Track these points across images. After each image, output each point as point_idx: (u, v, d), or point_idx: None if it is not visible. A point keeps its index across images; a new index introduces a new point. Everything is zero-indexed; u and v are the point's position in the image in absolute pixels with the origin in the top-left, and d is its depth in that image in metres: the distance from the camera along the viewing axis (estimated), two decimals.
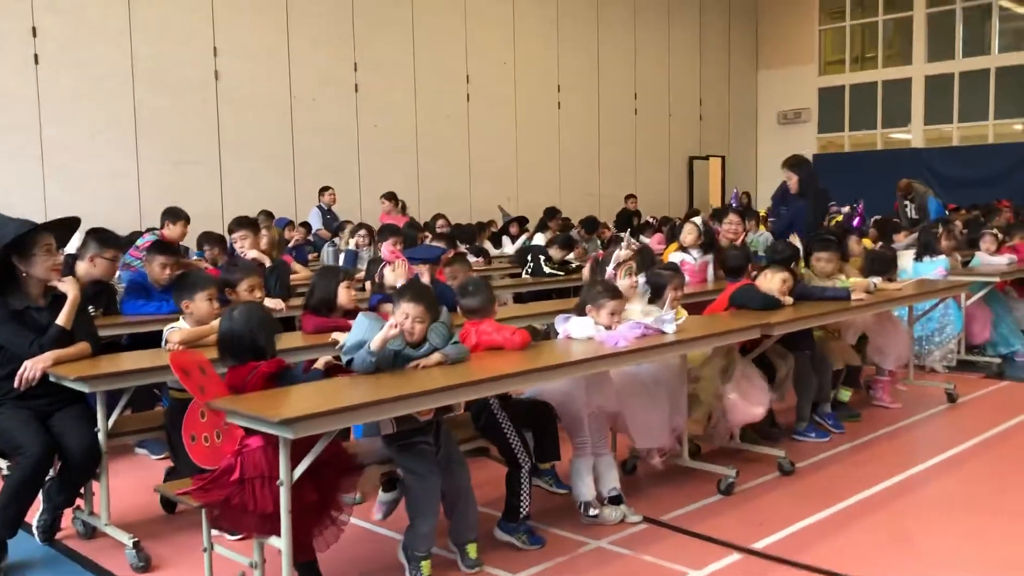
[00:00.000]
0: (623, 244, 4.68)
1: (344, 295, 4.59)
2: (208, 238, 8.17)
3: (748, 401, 4.89)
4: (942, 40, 18.96)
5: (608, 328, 4.12)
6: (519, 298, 7.75)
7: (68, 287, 3.93)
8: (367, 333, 3.39)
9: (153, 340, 4.71)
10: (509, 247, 11.89)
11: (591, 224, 12.16)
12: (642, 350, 3.95)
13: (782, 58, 20.92)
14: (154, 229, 8.61)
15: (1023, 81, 17.94)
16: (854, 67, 20.40)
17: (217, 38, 12.41)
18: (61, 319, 3.86)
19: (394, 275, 5.01)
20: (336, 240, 10.14)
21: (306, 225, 10.74)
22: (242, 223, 6.15)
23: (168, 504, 4.29)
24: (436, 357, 3.52)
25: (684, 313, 4.96)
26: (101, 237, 5.34)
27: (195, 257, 9.17)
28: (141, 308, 5.44)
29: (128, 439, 4.31)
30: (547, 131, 16.75)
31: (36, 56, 10.94)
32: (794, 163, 7.74)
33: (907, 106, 19.45)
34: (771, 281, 5.16)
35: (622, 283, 4.57)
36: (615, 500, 4.18)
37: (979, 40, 18.66)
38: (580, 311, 4.30)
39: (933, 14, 18.97)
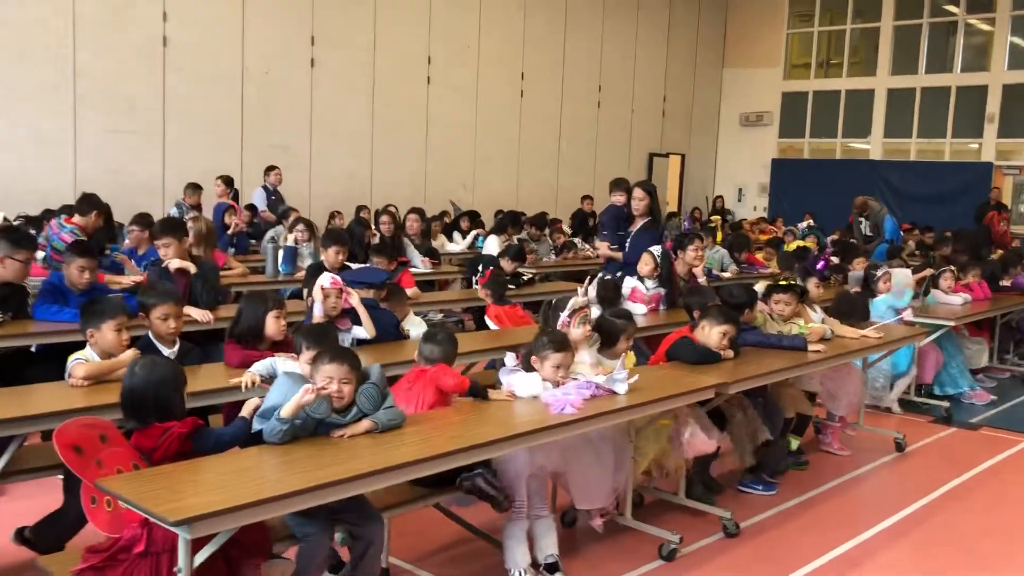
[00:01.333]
0: (580, 291, 4.39)
1: (272, 326, 4.24)
2: (138, 220, 7.76)
3: (703, 435, 4.67)
4: (907, 54, 18.96)
5: (555, 384, 3.86)
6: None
7: None
8: (286, 397, 3.06)
9: (66, 350, 4.31)
10: (460, 242, 11.55)
11: (541, 221, 11.86)
12: (591, 417, 3.68)
13: (748, 58, 20.77)
14: (66, 211, 8.07)
15: (981, 101, 18.03)
16: (819, 73, 20.34)
17: (167, 2, 11.78)
18: None
19: (326, 306, 4.66)
20: (279, 228, 9.72)
21: (251, 208, 10.25)
22: (166, 228, 5.70)
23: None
24: (365, 425, 3.20)
25: (632, 359, 4.72)
26: (13, 238, 4.95)
27: (124, 238, 8.73)
28: (55, 315, 5.03)
29: (22, 479, 3.90)
30: (508, 120, 16.38)
31: None
32: (651, 187, 7.22)
33: (868, 117, 19.45)
34: (709, 336, 4.88)
35: (575, 332, 4.29)
36: (551, 568, 3.93)
37: (942, 57, 18.70)
38: (527, 361, 4.03)
39: (900, 26, 18.94)
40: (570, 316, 4.29)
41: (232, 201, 9.91)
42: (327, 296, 4.69)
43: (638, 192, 7.05)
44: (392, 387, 3.56)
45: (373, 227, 9.73)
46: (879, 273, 7.55)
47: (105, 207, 7.25)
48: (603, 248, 7.42)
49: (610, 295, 5.93)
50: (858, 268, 8.96)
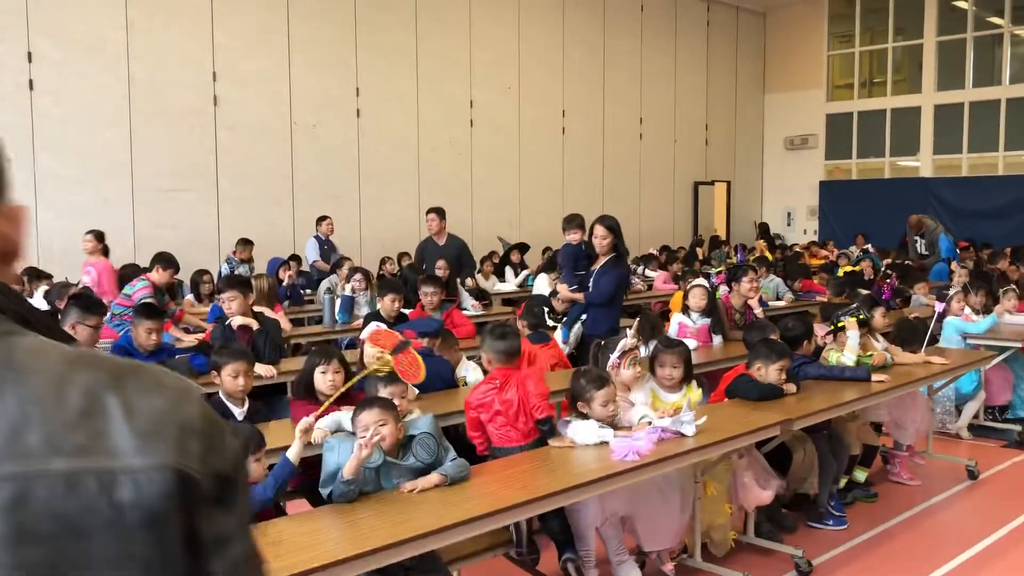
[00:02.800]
0: (629, 332, 4.39)
1: (319, 380, 4.30)
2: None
3: (759, 484, 4.63)
4: (952, 69, 18.72)
5: (609, 421, 3.87)
6: None
7: None
8: (340, 457, 3.12)
9: None
10: (511, 280, 11.62)
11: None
12: (658, 461, 3.67)
13: (789, 83, 20.69)
14: (141, 270, 8.34)
15: None
16: (862, 93, 20.16)
17: (216, 63, 12.16)
18: None
19: (375, 352, 4.72)
20: (334, 277, 9.88)
21: (296, 259, 10.41)
22: (231, 283, 5.86)
23: None
24: (435, 479, 3.24)
25: (697, 395, 4.70)
26: (84, 304, 5.10)
27: (187, 297, 8.95)
28: None
29: None
30: (551, 157, 16.50)
31: (31, 82, 10.68)
32: (614, 222, 6.58)
33: (916, 134, 19.20)
34: (767, 375, 4.83)
35: (626, 373, 4.30)
36: None
37: (989, 69, 18.43)
38: (573, 406, 4.04)
39: (943, 42, 18.73)
40: (620, 358, 4.30)
41: (103, 256, 9.50)
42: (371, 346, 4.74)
43: (599, 230, 6.53)
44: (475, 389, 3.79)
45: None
46: (951, 293, 7.45)
47: (176, 264, 7.50)
48: (563, 290, 7.00)
49: (650, 330, 5.90)
50: (920, 292, 8.83)
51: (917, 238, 14.43)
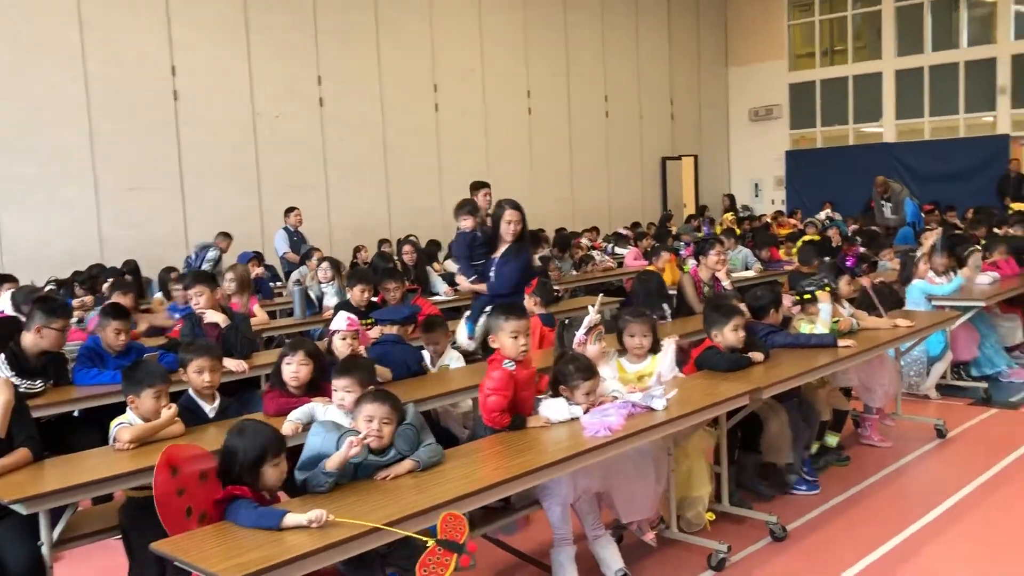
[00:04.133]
0: (593, 307, 4.42)
1: (284, 371, 4.29)
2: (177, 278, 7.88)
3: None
4: (911, 33, 18.90)
5: (587, 408, 3.90)
6: None
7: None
8: (323, 445, 3.12)
9: (109, 413, 4.41)
10: None
11: (564, 240, 11.92)
12: (629, 436, 3.71)
13: (752, 54, 20.78)
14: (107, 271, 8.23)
15: (991, 74, 17.91)
16: (824, 61, 20.30)
17: (175, 57, 12.01)
18: None
19: (345, 346, 4.72)
20: (303, 269, 9.84)
21: (259, 256, 10.28)
22: (198, 278, 5.82)
23: None
24: (407, 465, 3.26)
25: (654, 361, 4.71)
26: (48, 307, 5.04)
27: (156, 296, 8.88)
28: (95, 378, 5.15)
29: (79, 544, 3.98)
30: (518, 138, 16.48)
31: None
32: (520, 205, 6.23)
33: (878, 100, 19.38)
34: (726, 339, 4.90)
35: (592, 349, 4.34)
36: None
37: (947, 33, 18.61)
38: (554, 387, 4.06)
39: (901, 7, 18.89)
40: (586, 334, 4.33)
41: None
42: (343, 337, 4.75)
43: (512, 214, 6.10)
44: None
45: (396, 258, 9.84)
46: (918, 255, 7.55)
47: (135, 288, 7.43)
48: (463, 282, 6.56)
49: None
50: (885, 258, 8.94)
51: (883, 201, 14.58)
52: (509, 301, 5.09)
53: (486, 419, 3.83)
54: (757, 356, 4.89)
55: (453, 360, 5.56)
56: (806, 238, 10.22)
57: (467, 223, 6.52)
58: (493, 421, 3.80)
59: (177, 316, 6.75)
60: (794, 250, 10.14)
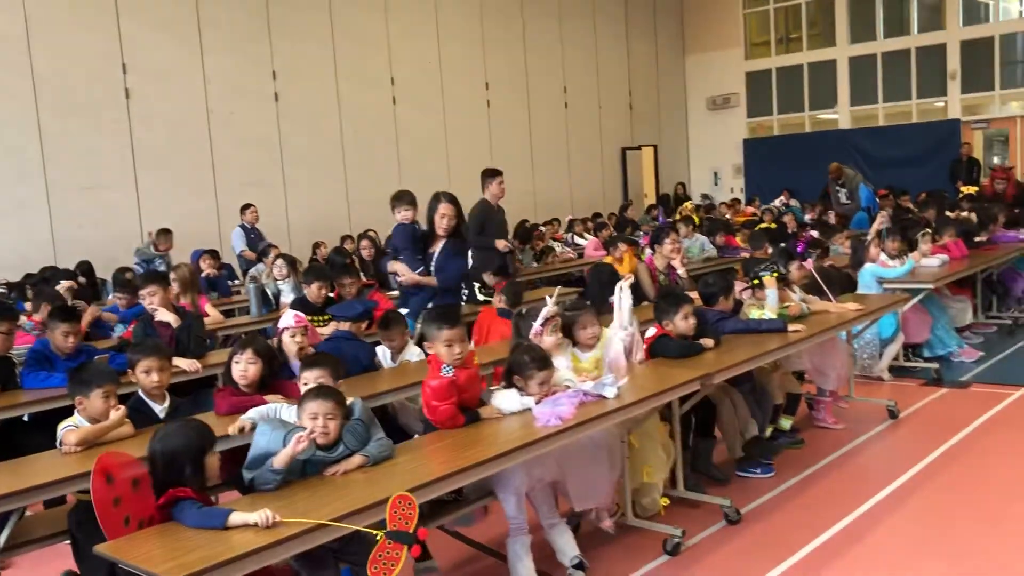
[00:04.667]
0: (548, 300, 4.44)
1: (233, 369, 4.26)
2: (120, 284, 7.77)
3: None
4: (864, 20, 19.14)
5: (538, 400, 3.92)
6: None
7: None
8: (270, 443, 3.10)
9: (59, 416, 4.35)
10: None
11: (525, 235, 11.94)
12: (580, 424, 3.74)
13: (709, 42, 20.91)
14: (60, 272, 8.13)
15: (942, 60, 18.20)
16: (780, 49, 20.50)
17: (125, 54, 11.83)
18: None
19: (294, 343, 4.69)
20: (260, 266, 9.76)
21: (214, 253, 10.11)
22: (150, 278, 5.76)
23: None
24: (356, 460, 3.25)
25: (604, 336, 4.73)
26: None
27: (110, 296, 8.76)
28: (44, 382, 5.07)
29: (28, 550, 3.92)
30: (477, 130, 16.45)
31: None
32: (453, 196, 6.20)
33: (833, 87, 19.62)
34: (676, 325, 4.96)
35: (548, 340, 4.36)
36: (579, 567, 4.02)
37: (899, 20, 18.88)
38: (508, 377, 4.08)
39: None
40: (543, 325, 4.35)
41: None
42: (292, 334, 4.72)
43: (448, 208, 6.07)
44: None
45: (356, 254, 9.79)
46: (868, 239, 7.67)
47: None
48: (408, 275, 6.30)
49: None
50: (838, 242, 9.07)
51: (838, 187, 14.77)
52: (444, 307, 5.03)
53: (439, 425, 3.81)
54: (708, 342, 4.95)
55: (414, 355, 5.52)
56: (762, 225, 10.33)
57: (407, 215, 6.27)
58: (447, 426, 3.79)
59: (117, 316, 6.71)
60: (747, 237, 10.25)
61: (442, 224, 6.06)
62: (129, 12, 11.81)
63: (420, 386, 4.83)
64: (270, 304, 7.86)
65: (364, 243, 9.15)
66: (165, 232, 10.66)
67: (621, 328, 4.57)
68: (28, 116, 10.97)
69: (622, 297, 4.60)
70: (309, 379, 3.78)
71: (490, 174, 8.15)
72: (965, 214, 10.17)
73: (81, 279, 9.02)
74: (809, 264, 6.32)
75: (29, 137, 10.99)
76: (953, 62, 18.06)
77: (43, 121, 11.08)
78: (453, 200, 6.12)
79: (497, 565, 4.25)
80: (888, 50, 18.81)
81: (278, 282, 8.04)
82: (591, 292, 6.60)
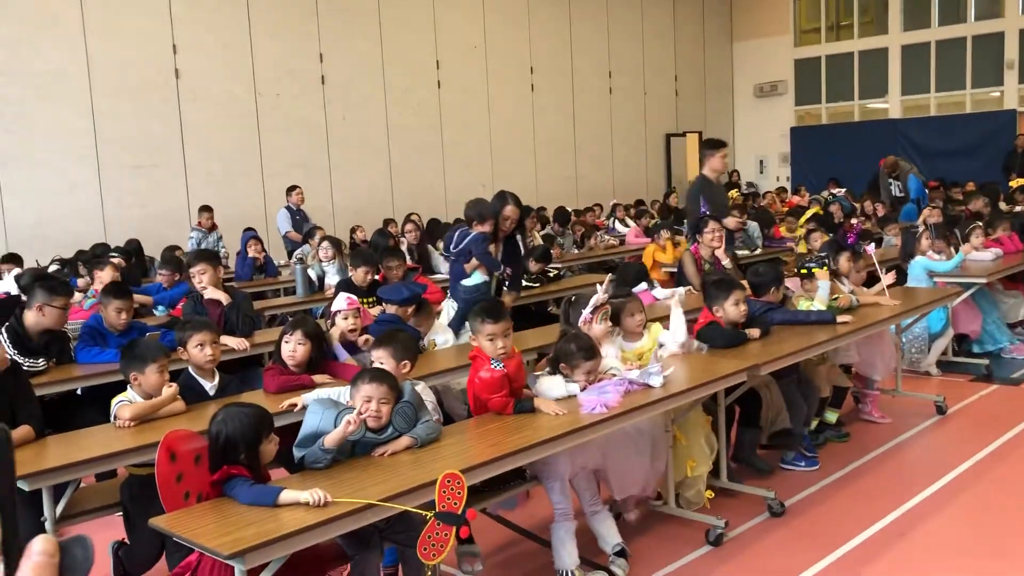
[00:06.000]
0: (599, 287, 4.42)
1: (282, 348, 4.32)
2: (166, 261, 7.88)
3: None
4: (918, 8, 18.72)
5: (583, 387, 3.91)
6: None
7: None
8: (322, 422, 3.14)
9: (111, 391, 4.45)
10: None
11: (564, 216, 11.90)
12: (625, 413, 3.73)
13: (757, 29, 20.61)
14: (111, 250, 8.28)
15: (999, 49, 17.76)
16: (830, 37, 20.13)
17: (176, 35, 11.97)
18: None
19: (346, 324, 4.74)
20: (306, 247, 9.85)
21: (258, 240, 10.14)
22: (200, 256, 5.84)
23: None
24: (404, 442, 3.28)
25: (656, 330, 4.72)
26: (49, 286, 5.07)
27: (156, 272, 8.90)
28: (97, 356, 5.17)
29: (81, 520, 4.03)
30: (521, 115, 16.43)
31: None
32: (517, 200, 5.82)
33: (884, 76, 19.24)
34: (728, 313, 4.93)
35: (598, 328, 4.34)
36: (621, 554, 4.03)
37: (954, 7, 18.43)
38: (554, 365, 4.07)
39: None
40: (592, 313, 4.33)
41: None
42: (345, 316, 4.77)
43: (513, 211, 5.83)
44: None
45: (399, 237, 9.83)
46: (919, 232, 7.53)
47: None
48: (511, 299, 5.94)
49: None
50: (890, 233, 8.92)
51: (892, 180, 14.49)
52: (490, 301, 4.94)
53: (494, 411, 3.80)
54: (753, 332, 4.91)
55: (440, 334, 5.52)
56: (811, 211, 10.19)
57: (486, 227, 5.80)
58: (501, 412, 3.79)
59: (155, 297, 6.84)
60: (797, 227, 10.11)
61: (504, 226, 5.89)
62: None
63: (464, 370, 4.91)
64: (313, 286, 7.94)
65: (408, 227, 9.18)
66: (205, 209, 10.84)
67: (675, 344, 4.54)
68: (82, 97, 11.17)
69: (675, 313, 4.60)
70: (373, 357, 3.83)
71: (712, 145, 7.58)
72: (1020, 208, 9.93)
73: (131, 257, 9.17)
74: (871, 250, 6.23)
75: (83, 117, 11.20)
76: (1011, 51, 17.60)
77: (96, 102, 11.28)
78: (519, 203, 5.92)
79: (538, 550, 4.27)
80: (943, 38, 18.39)
81: (323, 264, 8.10)
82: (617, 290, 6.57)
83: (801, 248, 8.74)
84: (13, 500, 0.72)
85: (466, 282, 5.79)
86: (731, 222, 7.52)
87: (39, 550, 0.69)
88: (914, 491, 4.87)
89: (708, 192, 7.57)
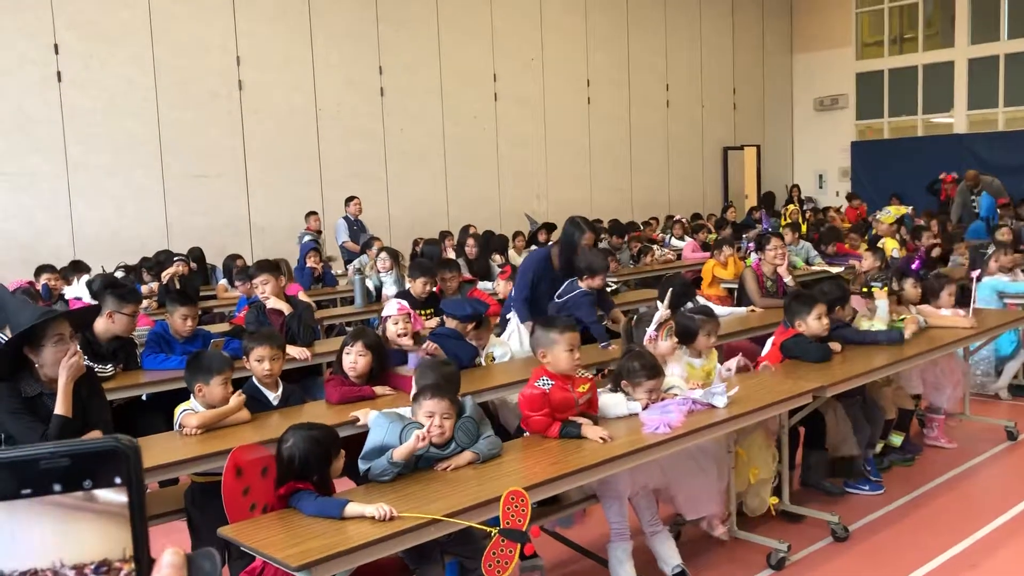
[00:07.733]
0: (660, 304, 4.38)
1: (344, 360, 4.35)
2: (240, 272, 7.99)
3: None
4: (986, 20, 18.26)
5: (644, 406, 3.87)
6: None
7: (61, 372, 3.69)
8: (387, 436, 3.15)
9: (175, 398, 4.53)
10: None
11: (620, 229, 11.83)
12: (688, 433, 3.68)
13: (818, 42, 20.32)
14: (173, 256, 8.44)
15: None
16: (893, 50, 19.76)
17: (240, 47, 12.21)
18: (59, 407, 3.65)
19: (395, 328, 4.76)
20: (364, 258, 9.94)
21: (317, 251, 10.27)
22: (263, 267, 5.93)
23: None
24: (467, 456, 3.28)
25: (714, 356, 4.67)
26: (119, 293, 5.19)
27: (221, 282, 9.06)
28: (162, 363, 5.26)
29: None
30: (577, 127, 16.40)
31: (59, 74, 10.81)
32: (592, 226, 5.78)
33: (949, 90, 18.79)
34: (811, 328, 4.86)
35: (663, 345, 4.30)
36: (681, 575, 3.97)
37: None
38: (616, 382, 4.04)
39: None
40: (657, 330, 4.29)
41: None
42: (395, 322, 4.79)
43: (591, 237, 5.91)
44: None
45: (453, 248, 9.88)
46: (989, 252, 7.35)
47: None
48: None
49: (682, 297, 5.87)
50: (957, 252, 8.71)
51: (973, 196, 14.04)
52: (554, 313, 5.00)
53: (532, 433, 3.77)
54: (836, 346, 4.87)
55: (496, 348, 5.50)
56: (878, 230, 9.94)
57: (596, 282, 5.79)
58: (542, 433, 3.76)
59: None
60: (861, 243, 9.90)
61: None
62: (244, 5, 12.19)
63: (516, 385, 4.90)
64: (371, 296, 8.01)
65: (468, 241, 9.20)
66: (311, 213, 11.31)
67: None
68: (149, 107, 11.44)
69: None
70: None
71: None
72: None
73: (192, 264, 9.35)
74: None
75: (149, 126, 11.47)
76: None
77: (161, 112, 11.55)
78: (594, 229, 5.92)
79: (595, 568, 4.23)
80: (1013, 51, 17.92)
81: (381, 274, 8.17)
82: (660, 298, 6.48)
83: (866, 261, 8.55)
84: (143, 513, 0.73)
85: None
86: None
87: (168, 562, 0.71)
88: (983, 520, 4.72)
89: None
